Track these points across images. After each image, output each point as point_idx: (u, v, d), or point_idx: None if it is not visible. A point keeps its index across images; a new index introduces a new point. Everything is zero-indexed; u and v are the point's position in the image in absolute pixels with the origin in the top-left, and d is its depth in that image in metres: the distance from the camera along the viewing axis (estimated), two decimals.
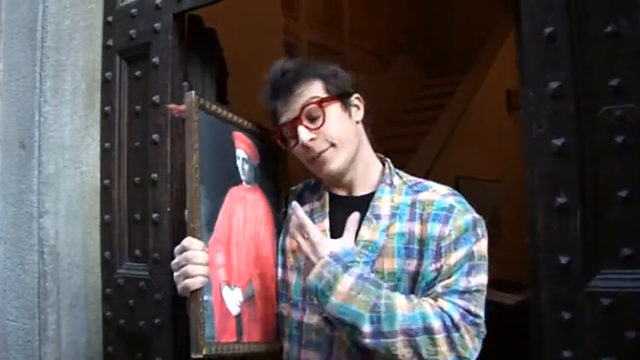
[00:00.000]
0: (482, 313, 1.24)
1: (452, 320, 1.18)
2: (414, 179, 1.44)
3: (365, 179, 1.43)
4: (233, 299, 1.35)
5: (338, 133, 1.36)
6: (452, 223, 1.28)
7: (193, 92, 1.34)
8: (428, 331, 1.17)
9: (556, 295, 1.31)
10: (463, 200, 1.35)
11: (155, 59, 2.03)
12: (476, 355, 1.22)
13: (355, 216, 1.30)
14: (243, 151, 1.47)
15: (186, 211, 1.30)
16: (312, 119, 1.36)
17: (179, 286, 1.25)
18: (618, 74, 1.27)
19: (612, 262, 1.27)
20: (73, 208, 2.16)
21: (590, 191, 1.30)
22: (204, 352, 1.24)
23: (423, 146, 5.33)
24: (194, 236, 1.27)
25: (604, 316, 1.25)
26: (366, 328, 1.17)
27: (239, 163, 1.45)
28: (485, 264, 1.29)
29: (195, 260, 1.24)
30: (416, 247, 1.30)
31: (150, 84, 2.06)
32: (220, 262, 1.34)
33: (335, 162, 1.37)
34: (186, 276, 1.23)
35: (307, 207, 1.46)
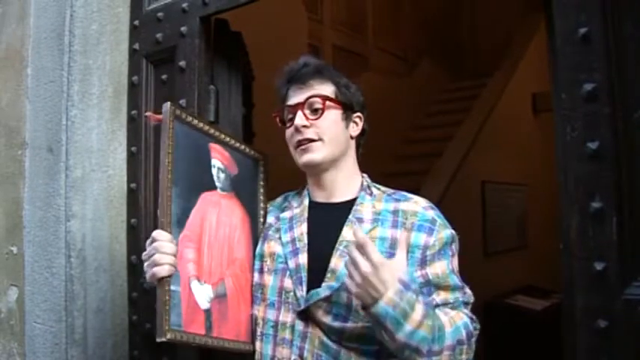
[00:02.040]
0: None
1: (468, 329, 1.31)
2: (391, 190, 1.53)
3: (346, 187, 1.52)
4: (202, 294, 1.41)
5: (329, 131, 1.47)
6: (435, 235, 1.39)
7: (169, 103, 1.41)
8: (460, 342, 1.28)
9: (591, 302, 1.27)
10: (441, 215, 1.45)
11: (181, 63, 2.03)
12: None
13: (406, 234, 1.33)
14: (219, 161, 1.54)
15: (158, 210, 1.37)
16: (313, 110, 1.47)
17: (148, 275, 1.33)
18: None
19: None
20: (99, 211, 2.17)
21: (626, 195, 1.25)
22: (167, 337, 1.30)
23: (448, 150, 5.27)
24: (163, 229, 1.34)
25: None
26: (426, 349, 1.21)
27: (214, 171, 1.52)
28: None
29: (162, 250, 1.31)
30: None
31: (176, 88, 2.05)
32: (190, 257, 1.40)
33: (317, 153, 1.46)
34: (155, 264, 1.31)
35: (288, 214, 1.55)
